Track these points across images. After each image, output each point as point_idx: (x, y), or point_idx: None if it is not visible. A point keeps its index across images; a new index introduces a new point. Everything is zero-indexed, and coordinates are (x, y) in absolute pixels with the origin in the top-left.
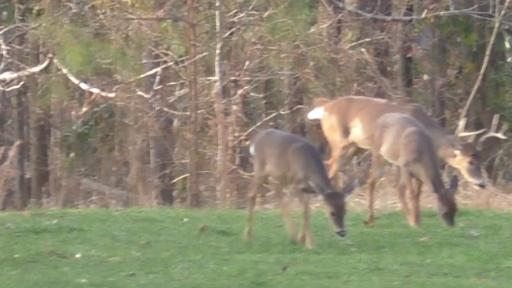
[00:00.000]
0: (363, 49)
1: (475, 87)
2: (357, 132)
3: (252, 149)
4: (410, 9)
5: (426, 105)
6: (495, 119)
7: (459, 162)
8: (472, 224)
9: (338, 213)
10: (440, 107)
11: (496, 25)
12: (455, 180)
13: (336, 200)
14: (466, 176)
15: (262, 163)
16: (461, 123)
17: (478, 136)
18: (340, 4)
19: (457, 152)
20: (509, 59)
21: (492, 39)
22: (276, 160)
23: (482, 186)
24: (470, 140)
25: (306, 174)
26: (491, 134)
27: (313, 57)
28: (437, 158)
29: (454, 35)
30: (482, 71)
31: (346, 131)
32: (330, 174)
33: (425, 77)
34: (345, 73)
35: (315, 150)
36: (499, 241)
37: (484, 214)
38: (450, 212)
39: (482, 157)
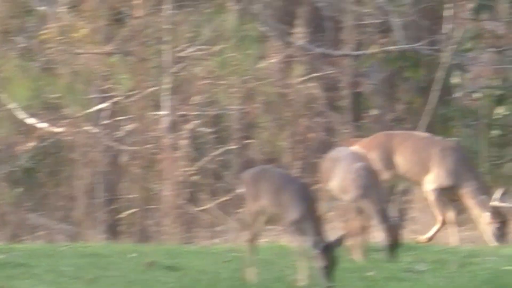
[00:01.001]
0: (312, 84)
1: (424, 121)
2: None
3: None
4: (359, 44)
5: None
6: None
7: (485, 223)
8: (419, 258)
9: (331, 266)
10: None
11: (445, 60)
12: (400, 214)
13: (330, 254)
14: (486, 237)
15: (255, 199)
16: (498, 192)
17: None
18: (289, 39)
19: (485, 214)
20: (457, 94)
21: (440, 74)
22: (272, 197)
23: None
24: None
25: (301, 217)
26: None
27: (262, 92)
28: (384, 193)
29: (403, 70)
30: (430, 106)
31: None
32: None
33: (374, 111)
34: (294, 108)
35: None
36: (446, 276)
37: (431, 249)
38: (393, 245)
39: (510, 224)
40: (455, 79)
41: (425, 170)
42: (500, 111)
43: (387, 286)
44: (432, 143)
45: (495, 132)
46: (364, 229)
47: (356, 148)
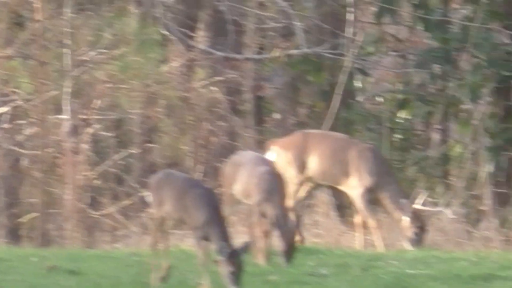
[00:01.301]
0: (214, 88)
1: (326, 125)
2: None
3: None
4: (261, 48)
5: None
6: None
7: (405, 226)
8: (322, 262)
9: (238, 271)
10: None
11: (347, 64)
12: (297, 220)
13: (236, 260)
14: (405, 238)
15: (160, 204)
16: (421, 196)
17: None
18: (192, 43)
19: (404, 218)
20: (359, 98)
21: (343, 78)
22: (176, 202)
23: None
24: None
25: (206, 222)
26: (442, 210)
27: (164, 95)
28: (284, 197)
29: (305, 74)
30: (332, 110)
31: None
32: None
33: (277, 115)
34: (196, 112)
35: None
36: (349, 279)
37: (334, 252)
38: (289, 249)
39: (426, 229)
40: (357, 83)
41: (343, 172)
42: (402, 115)
43: None
44: (350, 145)
45: (397, 136)
46: (267, 233)
47: (275, 148)
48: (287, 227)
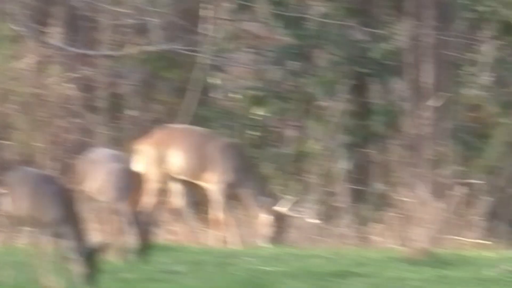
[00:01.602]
0: (68, 85)
1: (182, 122)
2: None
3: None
4: (116, 44)
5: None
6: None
7: (261, 220)
8: (176, 259)
9: (93, 271)
10: None
11: (202, 60)
12: (150, 217)
13: (91, 259)
14: (260, 232)
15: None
16: (284, 200)
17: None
18: (45, 39)
19: (263, 216)
20: (215, 95)
21: (198, 74)
22: (31, 200)
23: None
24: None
25: (60, 220)
26: (304, 216)
27: (17, 92)
28: (140, 195)
29: (161, 71)
30: (188, 106)
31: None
32: (140, 207)
33: (132, 112)
34: (49, 109)
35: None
36: (203, 276)
37: (189, 249)
38: (144, 247)
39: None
40: (213, 80)
41: (204, 167)
42: (258, 111)
43: None
44: (211, 140)
45: (253, 133)
46: (120, 231)
47: (141, 147)
48: (141, 224)
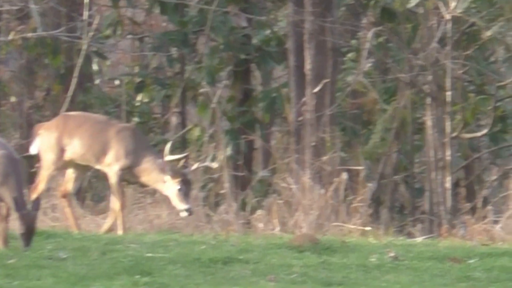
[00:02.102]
0: None
1: (63, 109)
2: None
3: None
4: None
5: (14, 127)
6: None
7: (168, 187)
8: (60, 246)
9: (28, 233)
10: (28, 129)
11: (84, 47)
12: (36, 203)
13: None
14: (174, 202)
15: None
16: (167, 146)
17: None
18: None
19: (166, 177)
20: (97, 81)
21: (80, 61)
22: None
23: (188, 211)
24: (179, 165)
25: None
26: (206, 164)
27: None
28: (22, 181)
29: (42, 57)
30: (70, 93)
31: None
32: (35, 194)
33: (13, 99)
34: None
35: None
36: (87, 263)
37: (73, 236)
38: (28, 233)
39: (191, 183)
40: (94, 66)
41: (102, 152)
42: (141, 98)
43: (28, 274)
44: (109, 126)
45: (135, 120)
46: (4, 217)
47: (41, 132)
48: (26, 210)
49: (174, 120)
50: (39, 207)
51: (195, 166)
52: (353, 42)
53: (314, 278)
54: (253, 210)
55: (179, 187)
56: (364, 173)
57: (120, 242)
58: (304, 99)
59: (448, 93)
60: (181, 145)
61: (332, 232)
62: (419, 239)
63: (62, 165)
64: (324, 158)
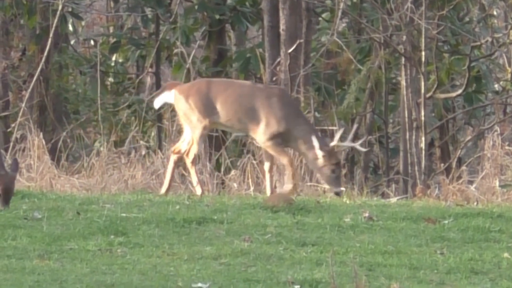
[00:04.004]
0: None
1: (39, 69)
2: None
3: None
4: None
5: None
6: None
7: (321, 166)
8: (35, 206)
9: (6, 194)
10: (3, 90)
11: (59, 7)
12: (15, 163)
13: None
14: (325, 181)
15: None
16: (339, 133)
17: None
18: None
19: (319, 154)
20: (72, 41)
21: (55, 21)
22: None
23: (340, 193)
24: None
25: None
26: (351, 144)
27: None
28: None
29: (17, 18)
30: (45, 53)
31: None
32: (192, 155)
33: None
34: None
35: None
36: (62, 223)
37: (48, 196)
38: (6, 193)
39: (342, 166)
40: (70, 27)
41: (252, 119)
42: (115, 58)
43: (3, 234)
44: (257, 90)
45: (110, 80)
46: None
47: (179, 92)
48: (4, 171)
49: (149, 80)
50: (18, 168)
51: (338, 143)
52: (328, 2)
53: (288, 238)
54: (227, 171)
55: (333, 168)
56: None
57: (95, 202)
58: (278, 59)
59: (423, 53)
60: None
61: (307, 192)
62: (394, 200)
63: (207, 127)
64: None
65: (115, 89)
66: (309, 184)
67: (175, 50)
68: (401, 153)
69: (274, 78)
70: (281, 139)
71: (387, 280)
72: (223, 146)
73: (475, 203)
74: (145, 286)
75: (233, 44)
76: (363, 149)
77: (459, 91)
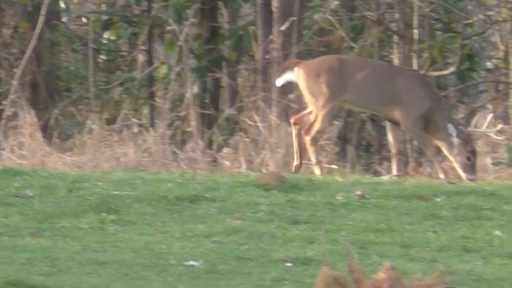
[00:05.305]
0: None
1: (30, 46)
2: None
3: None
4: None
5: None
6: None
7: (456, 152)
8: (27, 183)
9: None
10: None
11: None
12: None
13: None
14: (459, 168)
15: None
16: (488, 120)
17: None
18: None
19: (456, 141)
20: (64, 19)
21: None
22: None
23: (474, 181)
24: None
25: None
26: (487, 130)
27: None
28: None
29: None
30: (37, 30)
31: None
32: (313, 132)
33: None
34: None
35: None
36: (54, 201)
37: (39, 174)
38: None
39: (477, 154)
40: (62, 4)
41: (391, 101)
42: (107, 36)
43: None
44: (397, 72)
45: (102, 57)
46: None
47: (302, 68)
48: None
49: (141, 58)
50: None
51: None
52: None
53: (280, 216)
54: (219, 148)
55: (469, 156)
56: None
57: (86, 180)
58: (271, 37)
59: (416, 31)
60: (148, 83)
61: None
62: (386, 178)
63: (337, 106)
64: (291, 96)
65: (107, 67)
66: None
67: (167, 28)
68: None
69: (266, 56)
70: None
71: (379, 258)
72: (215, 123)
73: (467, 181)
74: (137, 264)
75: (226, 21)
76: (499, 137)
77: (452, 69)
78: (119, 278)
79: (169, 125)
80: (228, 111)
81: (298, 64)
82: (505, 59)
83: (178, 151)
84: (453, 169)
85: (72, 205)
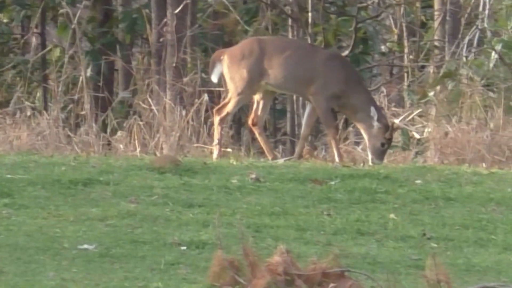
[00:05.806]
0: None
1: None
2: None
3: None
4: None
5: None
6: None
7: (373, 135)
8: None
9: None
10: None
11: None
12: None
13: None
14: (371, 149)
15: None
16: (407, 116)
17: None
18: None
19: (376, 124)
20: None
21: None
22: None
23: (377, 164)
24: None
25: None
26: (410, 128)
27: None
28: None
29: None
30: None
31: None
32: (220, 115)
33: None
34: None
35: None
36: None
37: None
38: None
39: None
40: None
41: (309, 81)
42: (0, 18)
43: None
44: (316, 52)
45: None
46: None
47: (227, 56)
48: None
49: (34, 40)
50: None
51: (399, 123)
52: None
53: (175, 200)
54: (113, 132)
55: (383, 142)
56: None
57: None
58: (165, 20)
59: (310, 15)
60: (41, 66)
61: (193, 153)
62: (281, 161)
63: (254, 91)
64: (185, 79)
65: (1, 50)
66: (195, 145)
67: (61, 11)
68: (288, 114)
69: (160, 39)
70: (336, 104)
71: (274, 241)
72: (109, 107)
73: (362, 164)
74: (30, 248)
75: (119, 4)
76: (419, 136)
77: (346, 52)
78: (12, 262)
79: (63, 108)
80: (122, 94)
81: (223, 53)
82: (399, 43)
83: (71, 135)
84: (349, 152)
85: None
